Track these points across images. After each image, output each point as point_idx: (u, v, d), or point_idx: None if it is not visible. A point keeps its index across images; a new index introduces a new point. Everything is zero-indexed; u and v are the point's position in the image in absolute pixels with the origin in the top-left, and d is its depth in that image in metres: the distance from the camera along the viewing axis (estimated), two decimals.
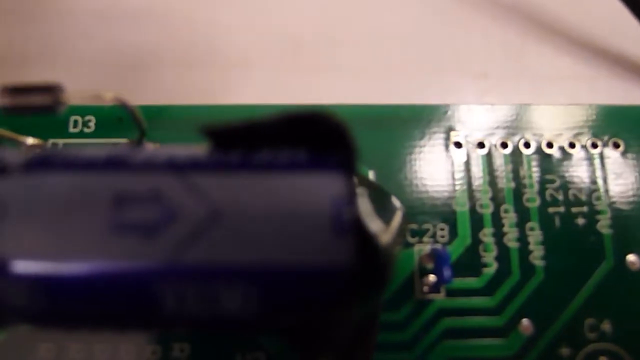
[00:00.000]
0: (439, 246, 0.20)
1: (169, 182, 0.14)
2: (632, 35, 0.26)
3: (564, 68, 0.26)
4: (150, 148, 0.16)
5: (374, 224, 0.14)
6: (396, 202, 0.18)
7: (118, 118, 0.20)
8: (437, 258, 0.19)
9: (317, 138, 0.15)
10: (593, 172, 0.21)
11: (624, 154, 0.21)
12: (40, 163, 0.15)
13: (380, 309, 0.18)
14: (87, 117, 0.20)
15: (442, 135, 0.21)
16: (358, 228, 0.14)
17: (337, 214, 0.14)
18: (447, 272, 0.18)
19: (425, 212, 0.20)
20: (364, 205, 0.15)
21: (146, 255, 0.14)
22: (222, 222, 0.14)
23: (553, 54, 0.26)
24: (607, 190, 0.21)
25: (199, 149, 0.16)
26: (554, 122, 0.21)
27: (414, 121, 0.21)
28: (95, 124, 0.20)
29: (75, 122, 0.20)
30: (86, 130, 0.20)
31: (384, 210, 0.18)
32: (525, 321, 0.19)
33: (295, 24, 0.26)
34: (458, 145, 0.21)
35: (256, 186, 0.14)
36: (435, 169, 0.20)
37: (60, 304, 0.14)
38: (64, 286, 0.14)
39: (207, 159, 0.15)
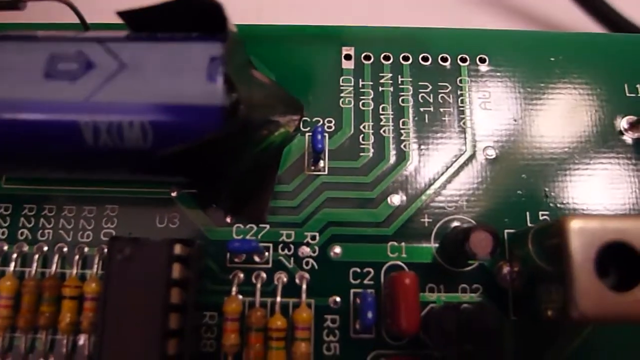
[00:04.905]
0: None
1: (91, 47, 0.19)
2: None
3: None
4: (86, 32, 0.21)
5: (244, 86, 0.19)
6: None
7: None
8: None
9: (199, 19, 0.19)
10: (461, 80, 0.25)
11: (488, 66, 0.26)
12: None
13: (267, 172, 0.22)
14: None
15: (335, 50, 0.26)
16: (226, 79, 0.18)
17: (212, 67, 0.18)
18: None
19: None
20: (236, 71, 0.19)
21: (70, 93, 0.18)
22: (126, 73, 0.18)
23: None
24: (470, 95, 0.25)
25: (122, 32, 0.20)
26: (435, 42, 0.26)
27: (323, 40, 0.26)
28: None
29: None
30: None
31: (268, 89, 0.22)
32: (394, 195, 0.23)
33: None
34: (348, 57, 0.25)
35: (156, 50, 0.19)
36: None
37: (6, 141, 0.19)
38: (9, 124, 0.19)
39: (122, 35, 0.20)
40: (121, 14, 0.20)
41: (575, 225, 0.19)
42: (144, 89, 0.19)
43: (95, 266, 0.23)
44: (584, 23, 0.30)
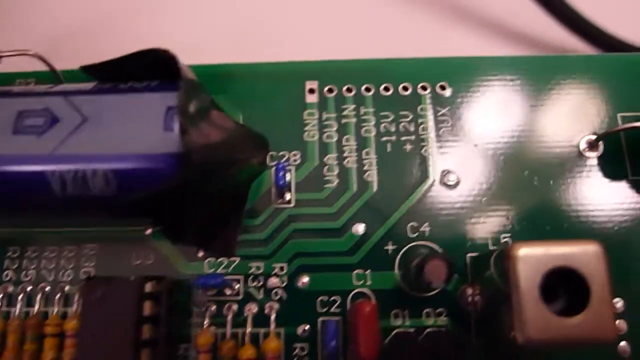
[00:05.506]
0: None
1: (56, 102, 0.20)
2: None
3: None
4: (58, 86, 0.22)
5: (197, 130, 0.20)
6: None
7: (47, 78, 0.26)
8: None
9: (160, 68, 0.21)
10: (422, 109, 0.26)
11: (449, 93, 0.26)
12: None
13: (235, 206, 0.23)
14: (29, 79, 0.27)
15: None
16: (182, 126, 0.19)
17: (168, 117, 0.19)
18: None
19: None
20: (192, 118, 0.20)
21: (37, 148, 0.20)
22: (88, 125, 0.20)
23: None
24: (430, 123, 0.26)
25: (89, 84, 0.22)
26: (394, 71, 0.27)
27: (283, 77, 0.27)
28: (34, 84, 0.27)
29: (19, 83, 0.27)
30: None
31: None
32: (358, 225, 0.24)
33: None
34: (311, 91, 0.26)
35: (116, 102, 0.20)
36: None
37: None
38: None
39: (87, 87, 0.21)
40: (85, 69, 0.22)
41: (520, 252, 0.19)
42: (105, 140, 0.20)
43: (75, 304, 0.24)
44: (548, 44, 0.31)
